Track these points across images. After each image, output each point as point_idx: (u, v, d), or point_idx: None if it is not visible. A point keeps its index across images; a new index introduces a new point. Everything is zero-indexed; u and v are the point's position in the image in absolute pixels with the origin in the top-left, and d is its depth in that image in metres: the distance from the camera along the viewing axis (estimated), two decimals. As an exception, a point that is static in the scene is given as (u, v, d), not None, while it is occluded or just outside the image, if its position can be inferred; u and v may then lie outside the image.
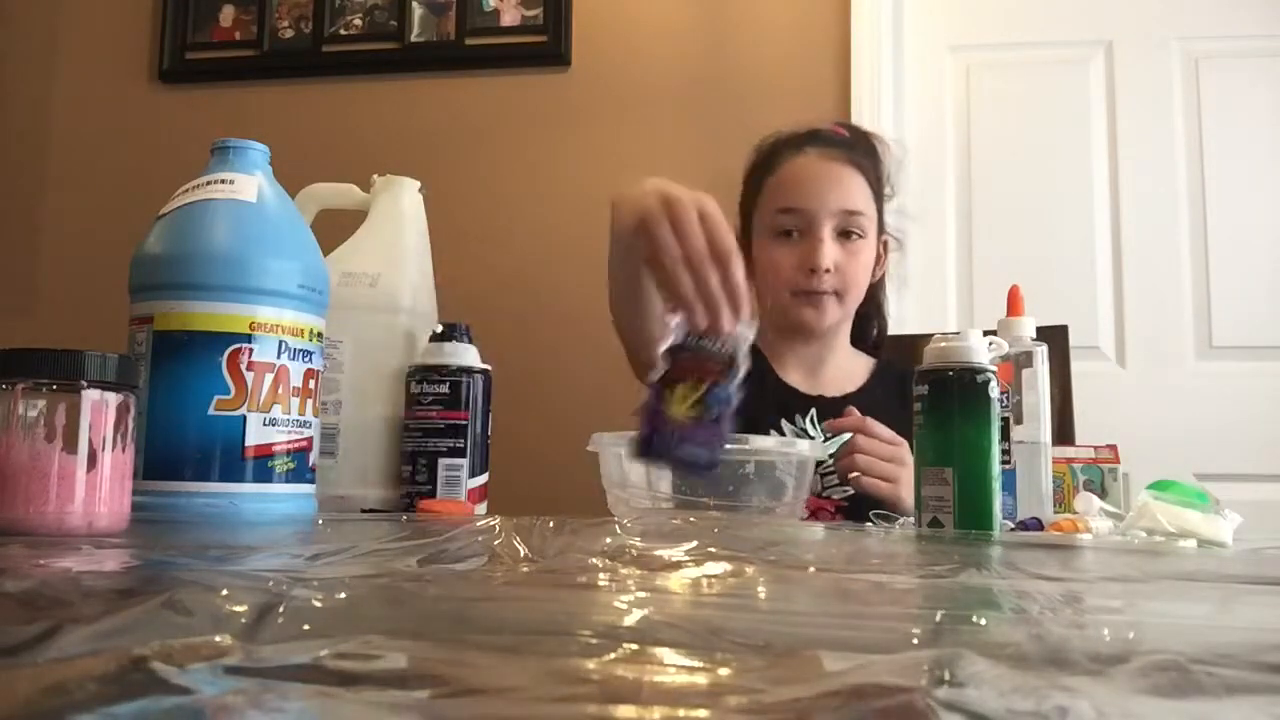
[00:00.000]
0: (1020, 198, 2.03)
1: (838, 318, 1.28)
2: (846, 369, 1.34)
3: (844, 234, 1.26)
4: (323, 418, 1.00)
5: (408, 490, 1.04)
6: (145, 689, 0.25)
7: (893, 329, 1.56)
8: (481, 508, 1.05)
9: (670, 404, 0.80)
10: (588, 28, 2.14)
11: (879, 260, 1.33)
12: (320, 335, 0.91)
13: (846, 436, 1.10)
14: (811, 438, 1.24)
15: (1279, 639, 0.37)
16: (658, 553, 0.56)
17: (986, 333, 0.92)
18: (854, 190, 1.26)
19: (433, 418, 1.03)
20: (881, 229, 1.33)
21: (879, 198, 1.31)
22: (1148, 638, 0.37)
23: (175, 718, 0.24)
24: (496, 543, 0.59)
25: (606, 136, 2.11)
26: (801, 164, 1.28)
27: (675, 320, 0.83)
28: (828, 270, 1.24)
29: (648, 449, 0.80)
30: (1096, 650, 0.31)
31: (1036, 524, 0.91)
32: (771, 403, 1.26)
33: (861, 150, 1.31)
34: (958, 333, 0.88)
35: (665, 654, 0.30)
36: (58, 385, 0.64)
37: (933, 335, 0.93)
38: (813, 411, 1.26)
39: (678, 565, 0.52)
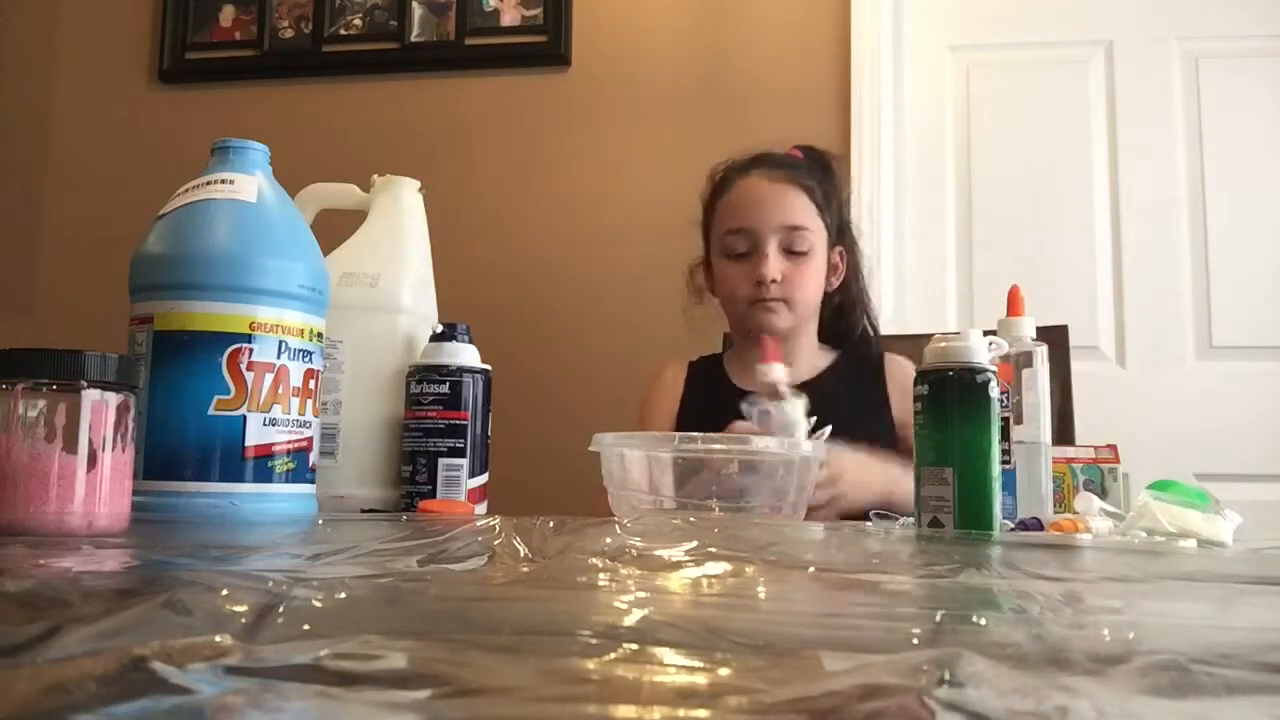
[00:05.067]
0: (1020, 198, 2.03)
1: (791, 322, 1.37)
2: (809, 364, 1.42)
3: (789, 247, 1.36)
4: (323, 418, 1.00)
5: (408, 490, 1.03)
6: (145, 689, 0.25)
7: (893, 329, 1.56)
8: (481, 508, 1.05)
9: None
10: (588, 28, 2.14)
11: (835, 269, 1.43)
12: (320, 335, 0.91)
13: (825, 429, 1.12)
14: None
15: (1279, 639, 0.37)
16: (658, 553, 0.56)
17: (986, 333, 0.92)
18: (796, 207, 1.37)
19: (433, 418, 1.03)
20: (838, 240, 1.43)
21: (826, 212, 1.40)
22: (1148, 638, 0.37)
23: (175, 718, 0.24)
24: (496, 543, 0.59)
25: (606, 136, 2.11)
26: (746, 186, 1.39)
27: None
28: (774, 281, 1.34)
29: None
30: (1096, 650, 0.31)
31: (1036, 524, 0.91)
32: (725, 405, 1.28)
33: (806, 170, 1.41)
34: (958, 333, 0.88)
35: (665, 654, 0.30)
36: (58, 385, 0.64)
37: (933, 335, 0.93)
38: None
39: (678, 565, 0.52)
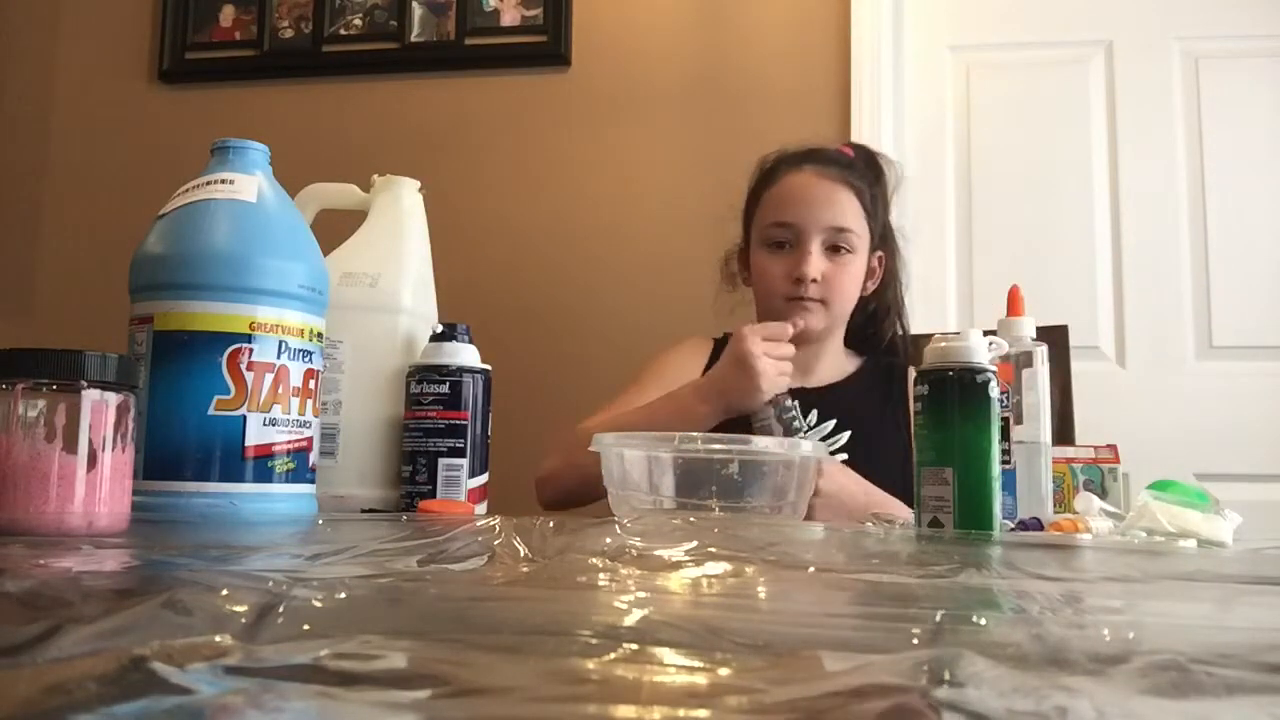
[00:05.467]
0: (1020, 198, 2.02)
1: (824, 323, 1.35)
2: (836, 367, 1.42)
3: (833, 248, 1.34)
4: (323, 418, 1.00)
5: (408, 490, 1.03)
6: (145, 689, 0.25)
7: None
8: (481, 508, 1.05)
9: None
10: (588, 28, 2.14)
11: (872, 273, 1.41)
12: (320, 335, 0.91)
13: (842, 435, 1.12)
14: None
15: (1279, 639, 0.37)
16: (658, 553, 0.56)
17: (986, 333, 0.92)
18: (845, 209, 1.35)
19: (433, 418, 1.03)
20: (879, 245, 1.41)
21: (872, 217, 1.38)
22: (1148, 638, 0.37)
23: (175, 718, 0.24)
24: (496, 543, 0.59)
25: (606, 136, 2.11)
26: (797, 181, 1.36)
27: None
28: (814, 280, 1.32)
29: None
30: (1096, 650, 0.31)
31: (1036, 524, 0.91)
32: None
33: (859, 171, 1.39)
34: (958, 333, 0.88)
35: (665, 654, 0.30)
36: (58, 385, 0.64)
37: (933, 335, 0.93)
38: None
39: (678, 565, 0.52)
